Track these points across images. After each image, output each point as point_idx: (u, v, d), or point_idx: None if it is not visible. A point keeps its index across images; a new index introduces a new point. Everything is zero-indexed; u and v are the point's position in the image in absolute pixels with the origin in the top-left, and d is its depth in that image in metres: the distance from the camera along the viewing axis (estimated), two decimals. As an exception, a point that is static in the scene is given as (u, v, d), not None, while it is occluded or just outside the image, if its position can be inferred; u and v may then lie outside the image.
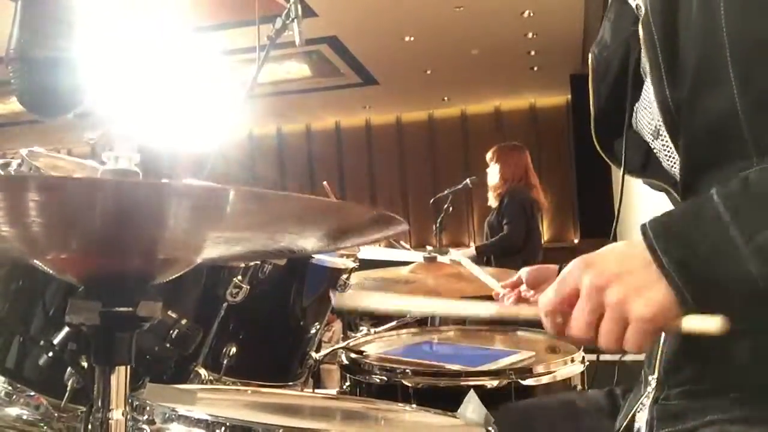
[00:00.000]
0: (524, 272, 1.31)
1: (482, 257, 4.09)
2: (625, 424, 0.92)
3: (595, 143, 1.02)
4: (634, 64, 0.94)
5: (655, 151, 0.92)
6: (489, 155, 4.33)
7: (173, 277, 0.66)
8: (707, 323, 0.67)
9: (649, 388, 0.89)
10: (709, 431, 0.80)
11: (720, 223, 0.66)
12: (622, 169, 0.96)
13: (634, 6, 0.92)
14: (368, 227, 0.62)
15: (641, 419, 0.89)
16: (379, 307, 0.94)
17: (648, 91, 0.91)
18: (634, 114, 0.95)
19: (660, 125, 0.87)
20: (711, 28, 0.75)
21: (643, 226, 0.71)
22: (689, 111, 0.80)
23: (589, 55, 1.02)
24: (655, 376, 0.89)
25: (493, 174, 4.24)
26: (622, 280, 0.69)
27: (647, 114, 0.91)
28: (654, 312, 0.68)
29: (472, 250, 4.20)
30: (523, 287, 1.30)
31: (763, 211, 0.66)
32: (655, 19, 0.82)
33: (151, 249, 0.60)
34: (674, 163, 0.87)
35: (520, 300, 1.29)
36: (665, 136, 0.87)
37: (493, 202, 4.28)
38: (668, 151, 0.88)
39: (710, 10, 0.75)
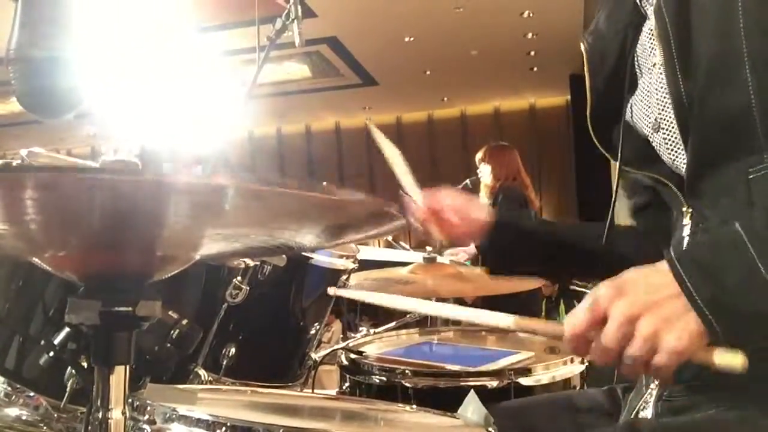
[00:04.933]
0: (449, 196, 1.15)
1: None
2: (630, 421, 0.92)
3: (591, 135, 1.02)
4: (630, 56, 0.93)
5: (654, 144, 0.91)
6: (479, 155, 4.33)
7: (172, 274, 0.66)
8: (732, 361, 0.68)
9: (653, 385, 0.89)
10: (715, 415, 0.80)
11: (749, 261, 0.68)
12: (618, 161, 0.96)
13: None
14: (366, 222, 0.62)
15: (645, 416, 0.89)
16: (387, 303, 0.93)
17: (646, 83, 0.90)
18: (629, 108, 0.95)
19: (661, 118, 0.87)
20: (727, 21, 0.75)
21: (670, 258, 0.71)
22: (702, 105, 0.79)
23: (582, 44, 1.00)
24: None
25: (486, 174, 4.26)
26: (653, 311, 0.69)
27: (644, 107, 0.91)
28: (685, 344, 0.68)
29: (472, 248, 4.19)
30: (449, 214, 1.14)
31: None
32: (668, 10, 0.82)
33: (149, 246, 0.60)
34: (677, 156, 0.87)
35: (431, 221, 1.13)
36: (668, 129, 0.86)
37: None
38: (670, 144, 0.87)
39: (727, 2, 0.75)
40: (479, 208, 1.16)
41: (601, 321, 0.71)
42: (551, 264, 1.17)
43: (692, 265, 0.70)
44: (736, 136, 0.77)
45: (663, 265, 0.71)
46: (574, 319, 0.73)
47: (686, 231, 0.90)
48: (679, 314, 0.68)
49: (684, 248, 0.74)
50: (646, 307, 0.69)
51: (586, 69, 1.00)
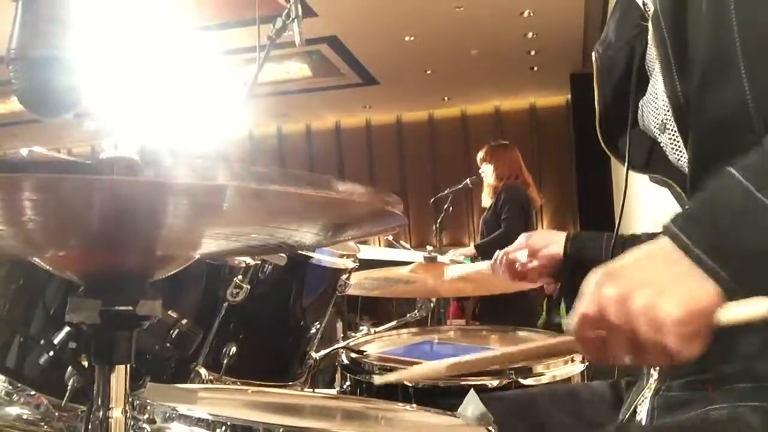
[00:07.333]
0: (525, 236, 1.26)
1: (482, 255, 4.09)
2: (627, 415, 0.93)
3: (600, 140, 1.03)
4: (638, 62, 0.94)
5: (661, 145, 0.92)
6: (481, 155, 4.33)
7: (172, 273, 0.66)
8: (756, 307, 0.58)
9: (652, 380, 0.90)
10: (717, 414, 0.80)
11: (742, 192, 0.62)
12: (625, 165, 0.97)
13: (641, 3, 0.92)
14: (366, 221, 0.63)
15: (643, 410, 0.89)
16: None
17: (654, 85, 0.91)
18: (639, 111, 0.96)
19: (667, 119, 0.88)
20: (721, 22, 0.76)
21: (664, 224, 0.66)
22: (698, 104, 0.80)
23: (593, 54, 1.02)
24: (658, 367, 0.89)
25: (488, 173, 4.26)
26: (646, 283, 0.63)
27: (653, 108, 0.92)
28: (688, 309, 0.60)
29: (471, 249, 4.20)
30: (521, 256, 1.26)
31: None
32: (664, 15, 0.83)
33: (149, 245, 0.60)
34: (681, 156, 0.88)
35: (513, 269, 1.27)
36: (672, 130, 0.87)
37: (487, 201, 4.29)
38: (675, 145, 0.88)
39: (721, 3, 0.76)
40: (555, 238, 1.21)
41: (601, 314, 0.65)
42: None
43: (684, 218, 0.65)
44: (733, 134, 0.77)
45: (658, 238, 0.66)
46: (575, 320, 0.68)
47: None
48: (677, 278, 0.62)
49: (677, 213, 0.68)
50: (639, 281, 0.63)
51: (595, 78, 1.02)
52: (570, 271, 1.18)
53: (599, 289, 0.66)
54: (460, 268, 1.56)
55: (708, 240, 0.62)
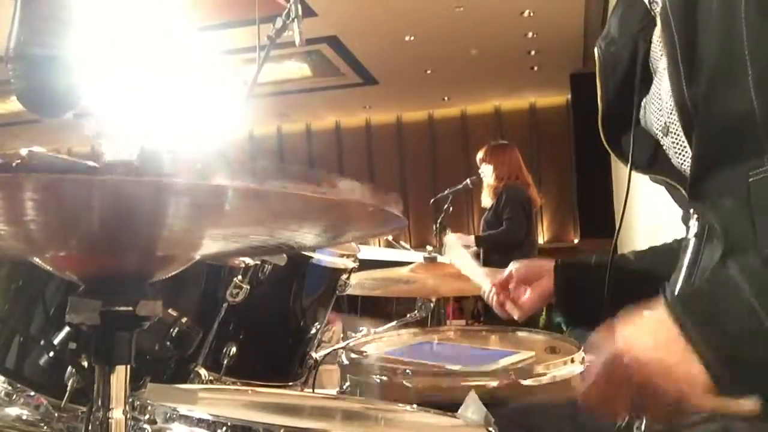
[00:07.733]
0: (514, 267, 1.26)
1: (481, 248, 4.08)
2: (624, 422, 0.92)
3: (602, 138, 1.02)
4: (642, 60, 0.93)
5: (664, 147, 0.91)
6: (480, 155, 4.33)
7: (172, 274, 0.65)
8: (742, 406, 0.70)
9: None
10: (711, 426, 0.80)
11: (750, 309, 0.69)
12: (629, 165, 0.96)
13: (646, 1, 0.92)
14: (367, 222, 0.62)
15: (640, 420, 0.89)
16: None
17: (657, 86, 0.91)
18: (642, 110, 0.95)
19: (670, 122, 0.87)
20: (731, 25, 0.75)
21: (676, 315, 0.73)
22: (705, 107, 0.80)
23: (596, 50, 1.01)
24: None
25: (488, 173, 4.26)
26: (660, 376, 0.72)
27: (656, 110, 0.91)
28: (702, 404, 0.72)
29: (471, 239, 4.19)
30: (512, 290, 1.27)
31: None
32: (674, 14, 0.82)
33: (149, 246, 0.60)
34: (685, 159, 0.87)
35: (506, 300, 1.26)
36: (676, 133, 0.87)
37: (488, 201, 4.29)
38: (678, 148, 0.87)
39: (731, 7, 0.75)
40: (544, 269, 1.22)
41: (614, 383, 0.75)
42: (624, 294, 1.18)
43: (695, 317, 0.72)
44: (738, 139, 0.77)
45: (665, 316, 0.73)
46: (587, 385, 0.78)
47: (692, 232, 0.90)
48: (688, 372, 0.71)
49: (684, 295, 0.77)
50: (659, 373, 0.72)
51: (597, 75, 1.01)
52: (563, 301, 1.22)
53: (615, 364, 0.75)
54: (463, 259, 1.50)
55: (715, 348, 0.70)
